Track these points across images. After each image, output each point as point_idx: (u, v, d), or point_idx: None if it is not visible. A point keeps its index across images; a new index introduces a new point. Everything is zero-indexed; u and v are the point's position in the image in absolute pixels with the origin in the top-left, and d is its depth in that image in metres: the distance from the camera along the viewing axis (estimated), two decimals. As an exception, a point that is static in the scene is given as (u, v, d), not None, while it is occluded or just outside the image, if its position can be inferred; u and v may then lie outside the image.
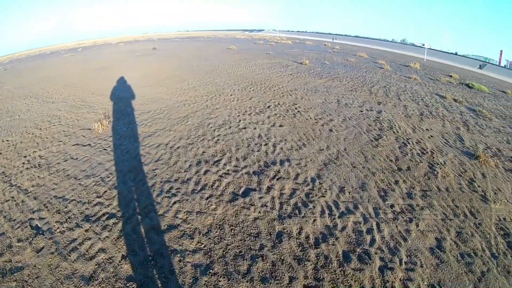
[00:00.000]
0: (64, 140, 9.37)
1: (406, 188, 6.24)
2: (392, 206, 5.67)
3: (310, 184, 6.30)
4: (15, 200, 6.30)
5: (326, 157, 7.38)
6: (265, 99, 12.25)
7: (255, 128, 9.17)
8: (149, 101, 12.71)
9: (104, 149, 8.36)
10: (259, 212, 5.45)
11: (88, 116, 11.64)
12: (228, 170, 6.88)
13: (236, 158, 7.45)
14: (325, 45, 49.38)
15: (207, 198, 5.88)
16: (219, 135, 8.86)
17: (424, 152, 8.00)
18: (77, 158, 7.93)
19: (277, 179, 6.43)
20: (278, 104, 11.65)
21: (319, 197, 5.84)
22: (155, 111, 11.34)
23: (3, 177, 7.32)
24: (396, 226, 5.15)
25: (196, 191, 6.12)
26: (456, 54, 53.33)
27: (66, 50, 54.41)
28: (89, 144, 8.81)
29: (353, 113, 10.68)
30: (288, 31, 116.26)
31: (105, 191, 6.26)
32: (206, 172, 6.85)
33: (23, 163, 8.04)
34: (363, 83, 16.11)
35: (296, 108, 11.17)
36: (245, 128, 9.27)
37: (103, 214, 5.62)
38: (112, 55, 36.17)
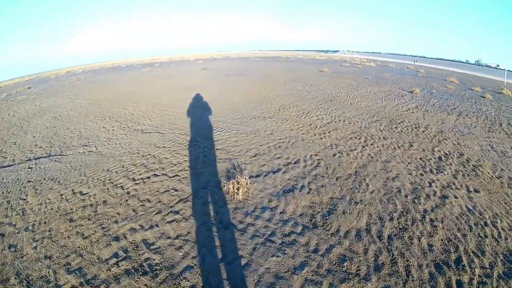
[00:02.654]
0: (178, 217, 6.66)
1: None
2: None
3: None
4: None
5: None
6: (428, 146, 10.38)
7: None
8: (287, 144, 10.30)
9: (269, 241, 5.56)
10: None
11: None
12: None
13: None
14: (407, 67, 46.86)
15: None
16: (436, 219, 6.09)
17: None
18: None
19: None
20: (452, 156, 9.69)
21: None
22: (307, 163, 8.71)
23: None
24: None
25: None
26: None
27: (142, 65, 55.82)
28: (236, 226, 6.01)
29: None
30: (363, 52, 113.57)
31: None
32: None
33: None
34: (487, 119, 14.49)
35: (477, 166, 9.01)
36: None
37: None
38: (197, 72, 35.51)
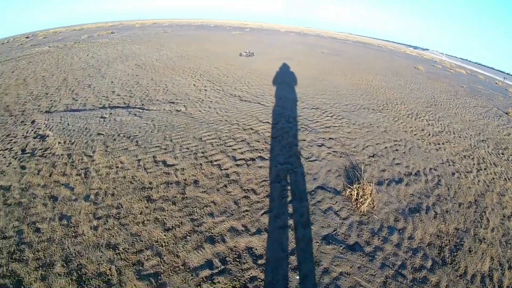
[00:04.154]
0: (292, 223, 5.78)
1: None
2: None
3: None
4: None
5: None
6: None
7: None
8: (404, 148, 9.56)
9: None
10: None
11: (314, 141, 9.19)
12: None
13: None
14: (496, 83, 45.83)
15: None
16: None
17: None
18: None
19: None
20: None
21: None
22: (428, 178, 8.02)
23: None
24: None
25: None
26: None
27: (232, 27, 55.58)
28: (363, 248, 5.22)
29: None
30: (451, 55, 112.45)
31: None
32: None
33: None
34: None
35: None
36: None
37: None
38: (293, 45, 35.42)
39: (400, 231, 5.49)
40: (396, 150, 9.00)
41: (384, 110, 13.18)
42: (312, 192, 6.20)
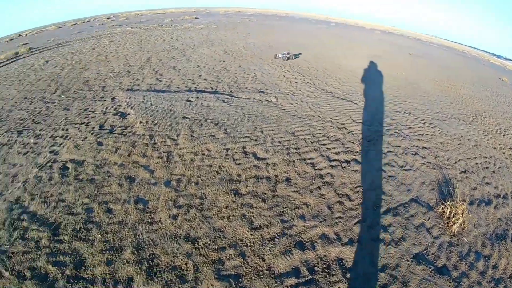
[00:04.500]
0: (386, 237, 5.40)
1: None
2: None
3: None
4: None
5: None
6: None
7: None
8: (493, 167, 8.86)
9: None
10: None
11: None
12: None
13: None
14: None
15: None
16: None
17: None
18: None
19: None
20: None
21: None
22: None
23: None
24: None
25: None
26: None
27: (317, 21, 55.88)
28: (450, 273, 5.00)
29: None
30: None
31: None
32: None
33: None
34: None
35: None
36: None
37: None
38: (380, 44, 35.24)
39: (486, 258, 5.25)
40: (486, 168, 8.55)
41: (474, 122, 12.58)
42: (406, 205, 6.00)
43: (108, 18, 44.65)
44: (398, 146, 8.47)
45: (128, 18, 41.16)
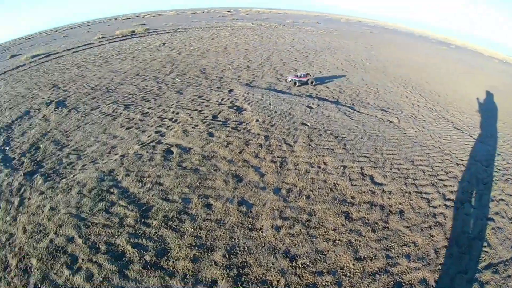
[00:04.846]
0: None
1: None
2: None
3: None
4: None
5: None
6: None
7: None
8: None
9: None
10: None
11: None
12: None
13: None
14: None
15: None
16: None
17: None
18: None
19: None
20: None
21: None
22: None
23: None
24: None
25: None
26: None
27: (436, 41, 53.65)
28: None
29: None
30: None
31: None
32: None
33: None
34: None
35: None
36: None
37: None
38: (500, 75, 31.24)
39: None
40: None
41: None
42: (507, 263, 5.31)
43: (228, 11, 46.69)
44: (511, 195, 7.48)
45: (248, 14, 42.45)
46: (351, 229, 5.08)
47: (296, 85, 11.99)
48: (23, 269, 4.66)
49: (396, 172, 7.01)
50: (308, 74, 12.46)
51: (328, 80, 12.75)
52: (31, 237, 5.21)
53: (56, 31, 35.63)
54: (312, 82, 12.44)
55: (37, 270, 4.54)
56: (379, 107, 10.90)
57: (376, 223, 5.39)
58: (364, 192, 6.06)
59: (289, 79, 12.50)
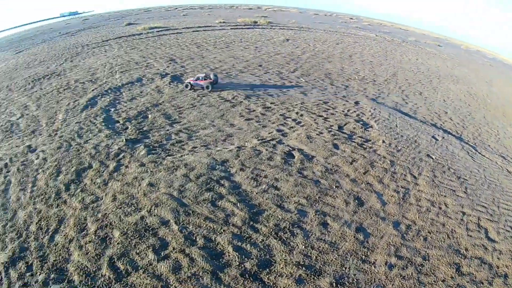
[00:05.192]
0: None
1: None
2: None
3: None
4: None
5: None
6: None
7: None
8: None
9: None
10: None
11: None
12: None
13: None
14: None
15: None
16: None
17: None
18: None
19: None
20: None
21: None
22: None
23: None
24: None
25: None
26: None
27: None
28: None
29: None
30: None
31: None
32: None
33: None
34: None
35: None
36: None
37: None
38: None
39: None
40: None
41: None
42: None
43: (351, 18, 46.70)
44: None
45: (371, 24, 42.42)
46: (458, 284, 4.78)
47: (188, 88, 11.07)
48: (101, 238, 4.83)
49: (508, 231, 6.47)
50: (208, 77, 11.17)
51: (452, 112, 12.25)
52: (120, 208, 5.42)
53: (176, 8, 37.77)
54: (207, 88, 11.07)
55: (118, 244, 4.69)
56: (499, 152, 10.27)
57: (482, 282, 5.03)
58: (477, 246, 5.70)
59: (185, 83, 11.61)
